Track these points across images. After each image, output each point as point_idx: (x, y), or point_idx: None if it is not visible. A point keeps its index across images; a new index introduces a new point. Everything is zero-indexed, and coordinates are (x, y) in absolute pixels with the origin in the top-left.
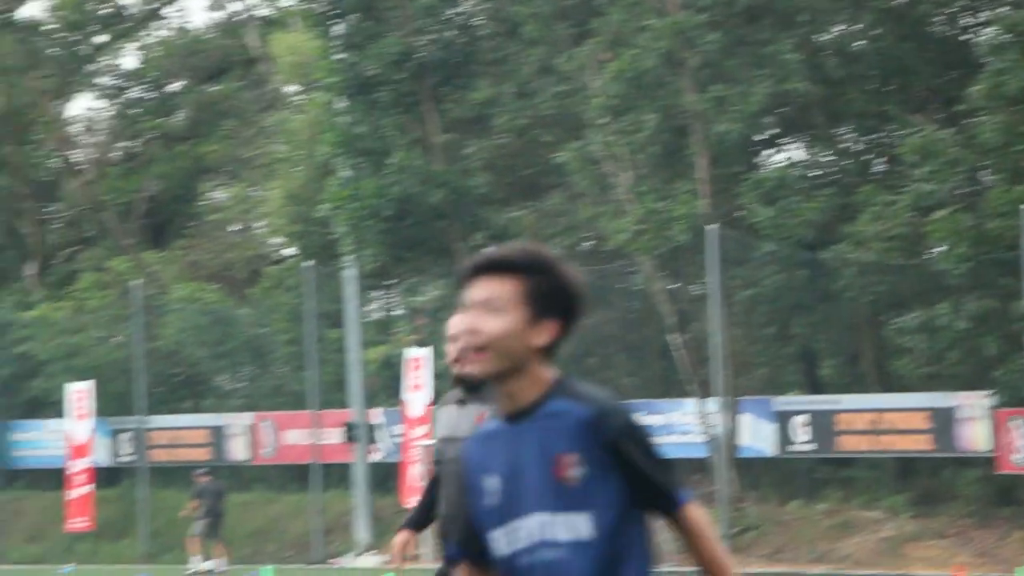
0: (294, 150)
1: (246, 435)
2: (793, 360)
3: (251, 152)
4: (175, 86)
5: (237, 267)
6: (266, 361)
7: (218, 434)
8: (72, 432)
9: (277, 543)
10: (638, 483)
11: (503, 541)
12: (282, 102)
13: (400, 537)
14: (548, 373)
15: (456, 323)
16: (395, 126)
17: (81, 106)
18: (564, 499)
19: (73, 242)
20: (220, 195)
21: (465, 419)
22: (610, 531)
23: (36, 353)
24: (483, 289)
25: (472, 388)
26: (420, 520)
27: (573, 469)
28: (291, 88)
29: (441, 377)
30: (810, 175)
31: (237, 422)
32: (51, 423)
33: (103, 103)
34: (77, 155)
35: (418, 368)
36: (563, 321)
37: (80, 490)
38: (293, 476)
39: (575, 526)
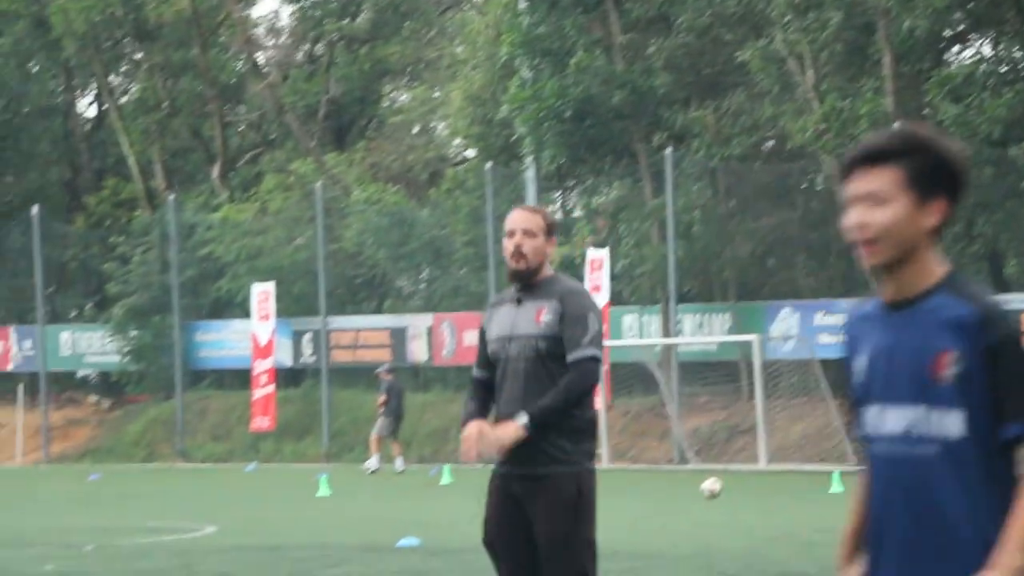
0: (475, 51)
1: (426, 336)
2: (978, 259)
3: (432, 53)
4: None
5: (417, 169)
6: (446, 262)
7: (398, 335)
8: (255, 333)
9: (455, 443)
10: (999, 398)
11: (869, 424)
12: (464, 2)
13: (472, 428)
14: (940, 266)
15: (513, 218)
16: (576, 26)
17: (265, 8)
18: (936, 395)
19: (256, 144)
20: (401, 97)
21: (523, 317)
22: (979, 436)
23: (220, 255)
24: (864, 182)
25: (529, 286)
26: (480, 413)
27: (950, 367)
28: None
29: (618, 278)
30: (999, 71)
31: (417, 323)
32: (235, 324)
33: (287, 5)
34: (261, 58)
35: (597, 269)
36: (949, 198)
37: (263, 390)
38: (471, 377)
39: (944, 424)
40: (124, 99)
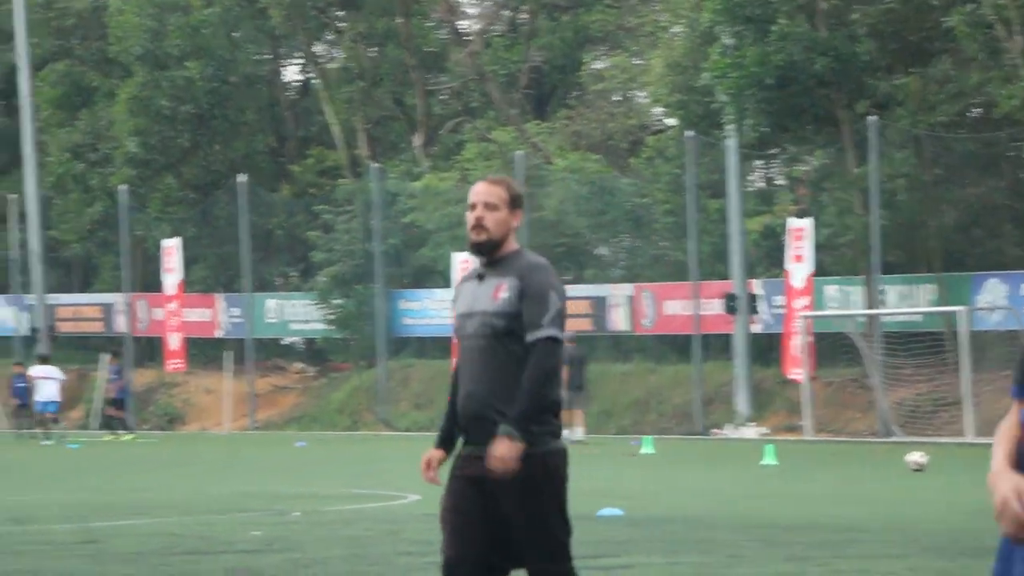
0: (677, 18)
1: (626, 305)
2: None
3: (634, 21)
4: None
5: (618, 137)
6: (646, 231)
7: (599, 304)
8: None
9: (657, 413)
10: None
11: None
12: None
13: (428, 455)
14: None
15: (476, 190)
16: None
17: None
18: None
19: (458, 113)
20: (602, 65)
21: (483, 293)
22: None
23: (422, 223)
24: None
25: (492, 261)
26: (451, 430)
27: None
28: None
29: (820, 248)
30: None
31: (618, 292)
32: (437, 292)
33: None
34: (463, 26)
35: (800, 238)
36: None
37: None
38: (673, 347)
39: None
40: (329, 68)
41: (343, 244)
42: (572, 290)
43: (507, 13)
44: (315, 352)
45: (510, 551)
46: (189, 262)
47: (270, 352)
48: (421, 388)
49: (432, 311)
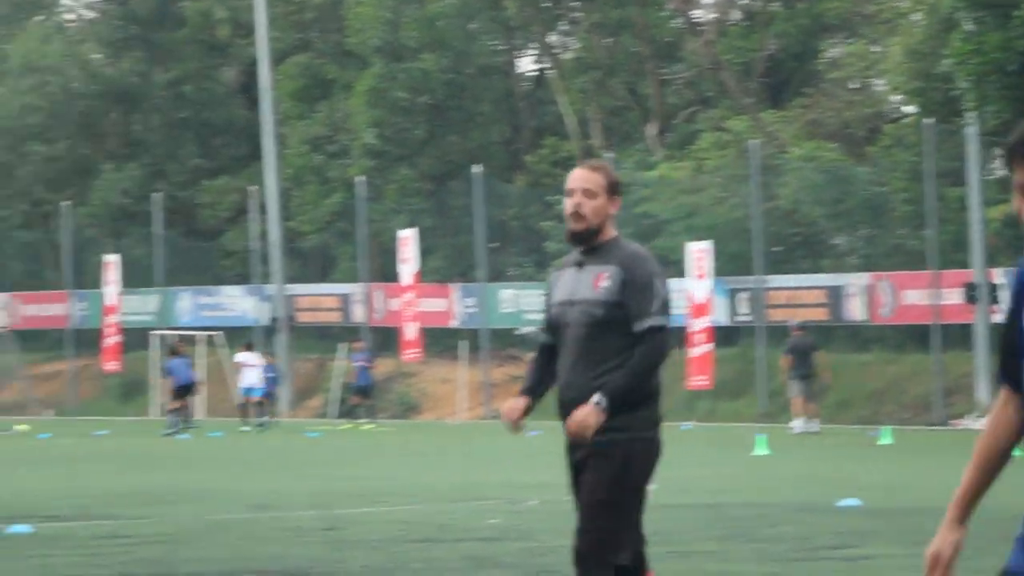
0: (916, 4)
1: (863, 295)
2: None
3: (872, 7)
4: None
5: (855, 125)
6: (884, 220)
7: (835, 294)
8: (692, 291)
9: (895, 404)
10: None
11: None
12: None
13: (515, 403)
14: None
15: (573, 177)
16: None
17: None
18: None
19: (693, 102)
20: (840, 52)
21: (583, 282)
22: None
23: (657, 213)
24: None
25: (591, 249)
26: (531, 391)
27: None
28: None
29: None
30: None
31: (854, 282)
32: (670, 282)
33: None
34: (698, 15)
35: None
36: None
37: (700, 349)
38: (911, 337)
39: None
40: (563, 58)
41: None
42: (808, 279)
43: (743, 1)
44: None
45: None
46: (425, 252)
47: (504, 342)
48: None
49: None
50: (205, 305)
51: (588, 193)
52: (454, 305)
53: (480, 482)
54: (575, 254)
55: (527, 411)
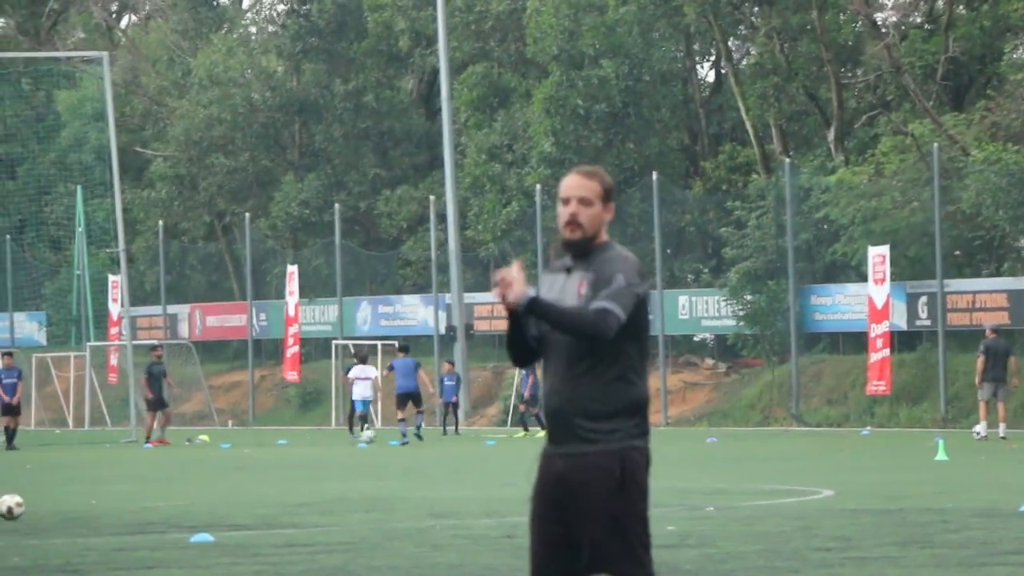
0: None
1: None
2: None
3: None
4: None
5: None
6: None
7: (1017, 298)
8: (871, 296)
9: None
10: None
11: None
12: None
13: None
14: None
15: (568, 184)
16: None
17: None
18: None
19: (873, 106)
20: (1023, 54)
21: (569, 288)
22: None
23: (835, 218)
24: None
25: (581, 255)
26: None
27: None
28: None
29: None
30: None
31: None
32: (850, 287)
33: None
34: (879, 17)
35: None
36: None
37: (879, 354)
38: None
39: None
40: (742, 63)
41: (755, 240)
42: (990, 283)
43: (924, 4)
44: (726, 348)
45: (589, 554)
46: None
47: (681, 348)
48: (834, 383)
49: (844, 306)
50: (384, 315)
51: (584, 201)
52: None
53: (658, 488)
54: (566, 258)
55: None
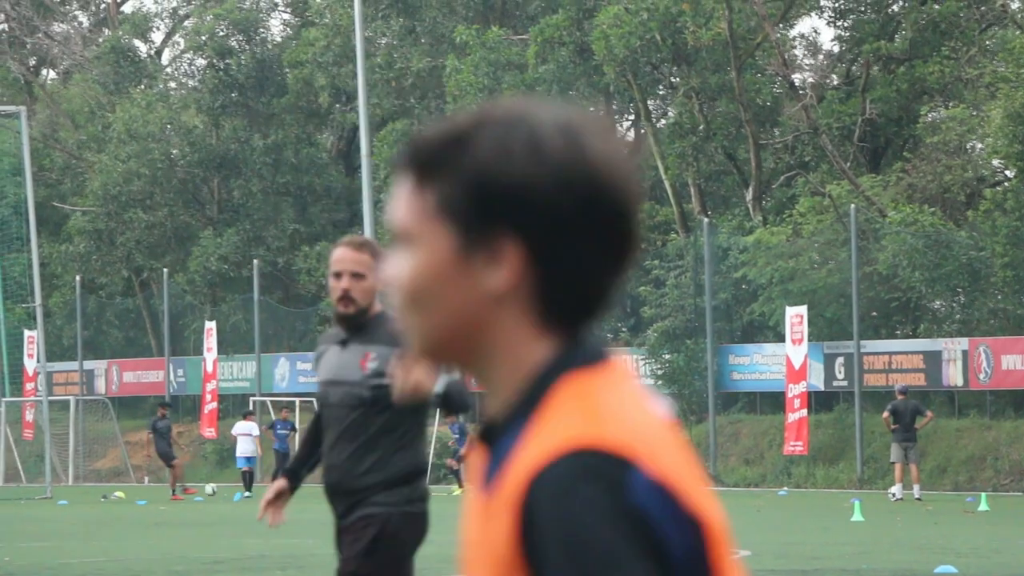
0: (1017, 68)
1: (961, 360)
2: None
3: (972, 72)
4: (896, 6)
5: (955, 190)
6: (983, 285)
7: (932, 359)
8: (789, 356)
9: (993, 470)
10: None
11: None
12: (1006, 19)
13: (277, 484)
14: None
15: (340, 258)
16: None
17: (805, 27)
18: None
19: (791, 167)
20: (939, 115)
21: (348, 362)
22: None
23: (754, 277)
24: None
25: (356, 328)
26: (299, 469)
27: None
28: (1016, 4)
29: None
30: None
31: (952, 347)
32: (767, 347)
33: (827, 28)
34: (797, 79)
35: None
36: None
37: (796, 414)
38: (1011, 402)
39: None
40: (660, 123)
41: (673, 299)
42: (905, 345)
43: (841, 65)
44: None
45: None
46: None
47: None
48: (751, 443)
49: (762, 366)
50: (302, 371)
51: (356, 276)
52: None
53: None
54: (338, 331)
55: (287, 492)
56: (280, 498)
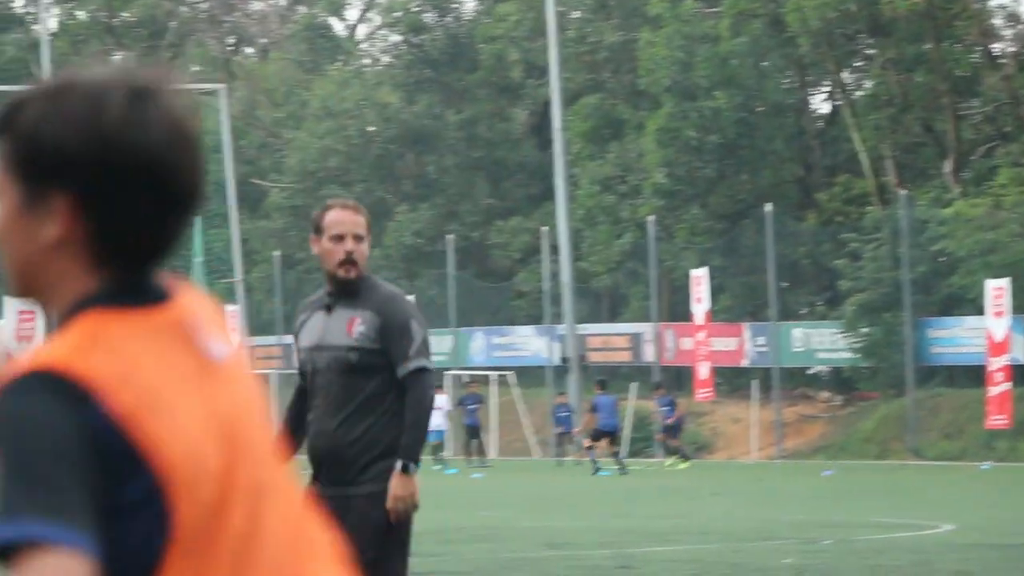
0: None
1: None
2: None
3: None
4: None
5: None
6: None
7: None
8: (990, 329)
9: None
10: None
11: None
12: None
13: None
14: None
15: (340, 220)
16: None
17: None
18: None
19: (991, 138)
20: None
21: (334, 326)
22: None
23: (953, 250)
24: None
25: (346, 292)
26: (287, 441)
27: None
28: None
29: None
30: None
31: None
32: (968, 320)
33: None
34: (997, 48)
35: None
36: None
37: (999, 387)
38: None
39: None
40: (857, 95)
41: (870, 272)
42: None
43: None
44: (842, 381)
45: None
46: (715, 291)
47: (796, 381)
48: (951, 417)
49: (963, 339)
50: (497, 345)
51: (357, 238)
52: (745, 344)
53: (774, 521)
54: (322, 295)
55: None
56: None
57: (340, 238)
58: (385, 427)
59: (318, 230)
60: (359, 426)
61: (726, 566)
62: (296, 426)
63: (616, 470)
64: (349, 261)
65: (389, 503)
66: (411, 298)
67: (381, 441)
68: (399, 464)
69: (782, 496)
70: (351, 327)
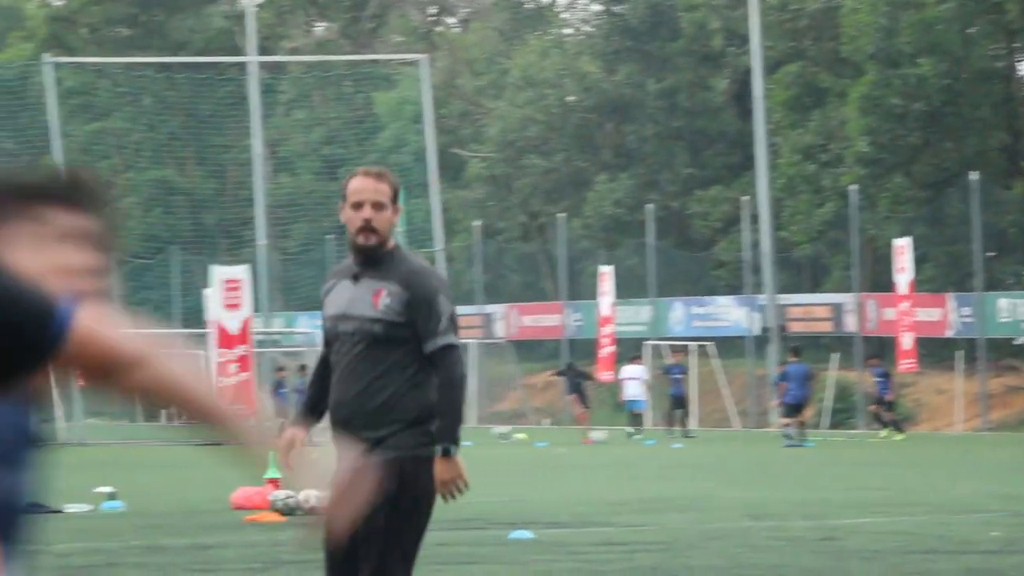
0: None
1: None
2: None
3: None
4: None
5: None
6: None
7: None
8: None
9: None
10: None
11: None
12: None
13: (287, 434)
14: None
15: (359, 187)
16: None
17: None
18: None
19: None
20: None
21: (360, 297)
22: None
23: None
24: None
25: (372, 262)
26: (309, 412)
27: None
28: None
29: None
30: None
31: None
32: None
33: None
34: None
35: None
36: None
37: None
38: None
39: None
40: None
41: None
42: None
43: None
44: None
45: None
46: (919, 261)
47: (1002, 352)
48: None
49: None
50: (697, 315)
51: (377, 205)
52: (949, 314)
53: (980, 493)
54: (350, 264)
55: (300, 440)
56: (294, 448)
57: (359, 205)
58: (404, 397)
59: (344, 197)
60: (379, 396)
61: (932, 538)
62: (320, 395)
63: (797, 442)
64: (367, 228)
65: (438, 487)
66: (442, 272)
67: (401, 411)
68: (439, 449)
69: (989, 468)
70: (377, 299)
